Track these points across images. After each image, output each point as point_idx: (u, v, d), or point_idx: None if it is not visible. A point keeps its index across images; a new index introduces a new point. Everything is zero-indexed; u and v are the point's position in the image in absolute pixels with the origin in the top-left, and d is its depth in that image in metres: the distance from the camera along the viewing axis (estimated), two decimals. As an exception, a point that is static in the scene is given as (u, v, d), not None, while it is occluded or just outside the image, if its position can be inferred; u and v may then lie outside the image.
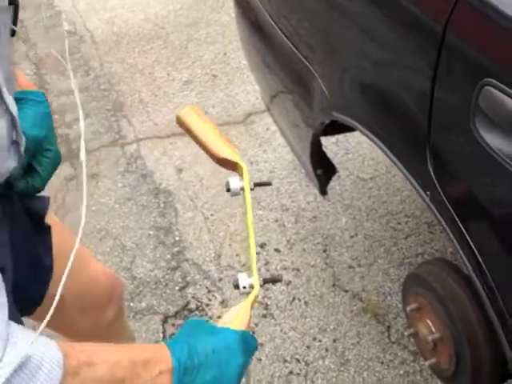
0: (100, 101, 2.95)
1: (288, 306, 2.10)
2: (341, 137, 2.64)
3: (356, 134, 1.76)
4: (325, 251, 2.23)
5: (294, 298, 2.12)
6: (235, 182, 1.03)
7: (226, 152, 1.04)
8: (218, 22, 3.33)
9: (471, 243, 1.17)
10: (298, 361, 1.95)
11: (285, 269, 2.19)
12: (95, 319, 1.39)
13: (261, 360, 1.96)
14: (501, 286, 1.15)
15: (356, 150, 2.58)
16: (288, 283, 2.16)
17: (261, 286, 0.96)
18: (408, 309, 1.53)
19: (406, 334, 1.74)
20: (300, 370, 1.93)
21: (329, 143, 2.61)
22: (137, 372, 0.79)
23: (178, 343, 0.83)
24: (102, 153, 2.68)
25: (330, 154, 2.56)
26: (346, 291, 2.12)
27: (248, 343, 0.87)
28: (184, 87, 2.98)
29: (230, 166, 1.06)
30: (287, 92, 1.88)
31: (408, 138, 1.31)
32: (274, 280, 1.03)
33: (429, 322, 1.48)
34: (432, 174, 1.22)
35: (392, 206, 2.36)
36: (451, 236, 1.21)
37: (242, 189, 1.03)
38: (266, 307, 2.10)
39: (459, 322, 1.40)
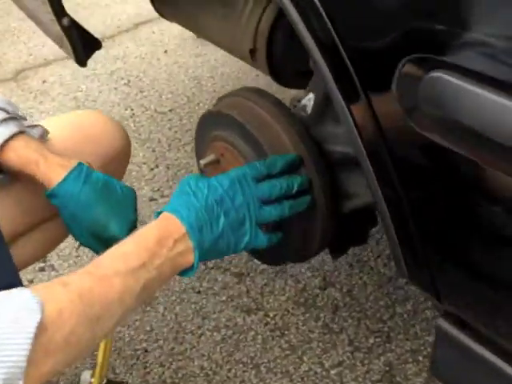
0: None
1: (73, 253, 1.59)
2: (133, 78, 2.23)
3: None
4: (119, 189, 1.76)
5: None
6: (86, 375, 1.11)
7: None
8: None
9: None
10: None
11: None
12: None
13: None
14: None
15: (152, 87, 2.17)
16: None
17: None
18: (203, 164, 1.10)
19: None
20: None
21: (119, 84, 2.19)
22: (152, 252, 0.80)
23: (179, 205, 0.86)
24: None
25: (121, 95, 2.15)
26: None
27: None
28: None
29: None
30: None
31: None
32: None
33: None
34: None
35: (198, 132, 1.95)
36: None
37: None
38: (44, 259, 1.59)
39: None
